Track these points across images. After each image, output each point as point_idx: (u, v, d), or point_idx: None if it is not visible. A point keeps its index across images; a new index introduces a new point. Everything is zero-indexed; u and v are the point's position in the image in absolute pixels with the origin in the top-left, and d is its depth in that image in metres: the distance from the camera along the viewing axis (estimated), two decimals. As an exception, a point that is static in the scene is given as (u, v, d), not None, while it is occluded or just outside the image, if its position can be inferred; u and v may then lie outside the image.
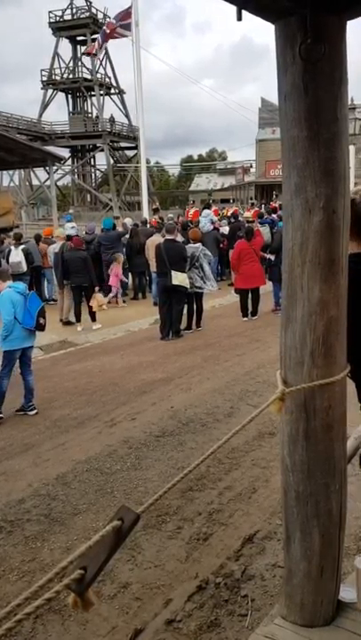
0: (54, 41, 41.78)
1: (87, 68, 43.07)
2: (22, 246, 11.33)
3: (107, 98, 44.08)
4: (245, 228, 10.81)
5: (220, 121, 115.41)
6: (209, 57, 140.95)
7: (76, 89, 43.41)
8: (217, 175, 47.00)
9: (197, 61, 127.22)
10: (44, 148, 22.23)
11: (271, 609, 2.46)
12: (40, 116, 41.69)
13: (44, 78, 42.41)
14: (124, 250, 12.61)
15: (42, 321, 5.73)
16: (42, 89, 42.56)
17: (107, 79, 43.71)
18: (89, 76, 42.56)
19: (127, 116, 44.28)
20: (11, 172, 36.39)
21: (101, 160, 44.39)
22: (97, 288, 10.11)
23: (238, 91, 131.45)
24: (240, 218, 15.91)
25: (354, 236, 2.07)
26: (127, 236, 12.85)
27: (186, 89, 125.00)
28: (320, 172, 1.81)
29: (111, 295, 12.12)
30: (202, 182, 47.13)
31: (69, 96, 44.34)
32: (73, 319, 10.29)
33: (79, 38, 42.29)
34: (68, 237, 11.59)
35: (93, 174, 47.31)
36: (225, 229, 14.57)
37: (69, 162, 43.47)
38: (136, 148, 34.80)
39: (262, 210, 16.96)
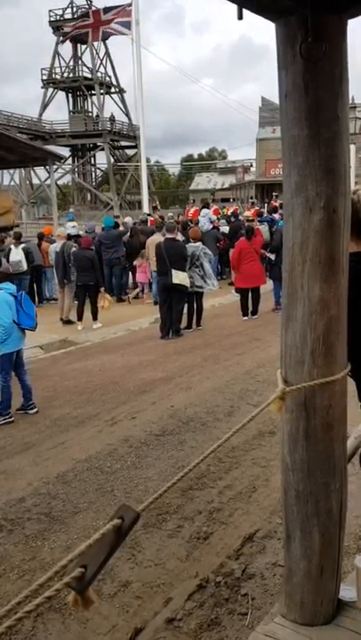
0: (54, 40, 41.78)
1: (87, 67, 43.08)
2: (22, 245, 11.34)
3: (107, 97, 44.11)
4: (246, 228, 10.81)
5: (219, 120, 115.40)
6: (208, 56, 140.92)
7: (77, 88, 43.40)
8: (217, 174, 46.96)
9: (196, 61, 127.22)
10: (45, 147, 22.22)
11: (271, 608, 2.46)
12: (40, 115, 41.69)
13: (45, 77, 42.40)
14: (124, 249, 12.63)
15: (37, 320, 5.81)
16: (42, 88, 42.59)
17: (107, 78, 43.71)
18: (89, 75, 42.53)
19: (127, 114, 44.31)
20: (11, 170, 36.40)
21: (102, 159, 44.46)
22: (102, 288, 10.13)
23: (238, 90, 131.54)
24: (240, 217, 15.90)
25: (354, 236, 2.07)
26: (128, 234, 12.87)
27: (185, 88, 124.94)
28: (321, 170, 1.81)
29: (138, 290, 12.14)
30: (202, 181, 47.10)
31: (70, 95, 44.33)
32: (73, 318, 10.30)
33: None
34: (69, 236, 11.61)
35: (94, 173, 47.30)
36: (225, 228, 14.57)
37: (70, 161, 43.46)
38: (136, 146, 34.80)
39: (263, 209, 16.96)
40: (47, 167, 24.45)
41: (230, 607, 2.80)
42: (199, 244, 9.44)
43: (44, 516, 3.79)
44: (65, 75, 42.98)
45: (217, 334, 9.03)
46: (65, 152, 37.71)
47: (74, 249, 10.30)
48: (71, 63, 43.31)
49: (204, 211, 15.50)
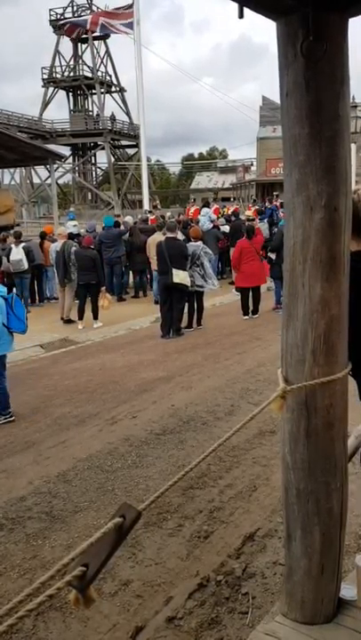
0: (55, 39, 41.77)
1: (88, 66, 43.06)
2: (23, 244, 11.34)
3: (107, 96, 44.07)
4: (246, 227, 10.81)
5: (219, 119, 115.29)
6: (208, 55, 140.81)
7: (77, 87, 43.35)
8: (218, 173, 46.95)
9: (196, 60, 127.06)
10: (45, 146, 22.23)
11: (272, 606, 2.47)
12: (41, 114, 41.65)
13: (45, 76, 42.38)
14: (125, 248, 12.63)
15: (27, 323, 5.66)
16: (43, 87, 42.55)
17: (107, 77, 43.68)
18: (90, 74, 42.51)
19: (128, 113, 44.27)
20: (11, 170, 36.37)
21: (102, 158, 44.41)
22: (103, 287, 10.13)
23: (237, 89, 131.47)
24: (241, 216, 15.89)
25: (354, 235, 2.07)
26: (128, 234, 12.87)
27: (185, 87, 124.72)
28: (322, 169, 1.81)
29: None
30: (203, 180, 47.09)
31: (70, 94, 44.29)
32: (74, 317, 10.30)
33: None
34: (71, 236, 11.61)
35: (94, 172, 47.28)
36: (225, 228, 14.56)
37: (70, 160, 43.42)
38: (137, 146, 34.80)
39: (264, 208, 16.94)
40: (48, 166, 24.48)
41: (231, 606, 2.80)
42: (200, 243, 9.44)
43: (44, 514, 3.79)
44: (65, 74, 42.94)
45: (217, 333, 9.03)
46: (65, 151, 37.64)
47: (75, 248, 10.31)
48: (72, 62, 43.29)
49: (205, 210, 15.49)
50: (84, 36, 41.56)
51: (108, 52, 43.05)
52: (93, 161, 46.42)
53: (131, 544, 3.33)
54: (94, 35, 41.12)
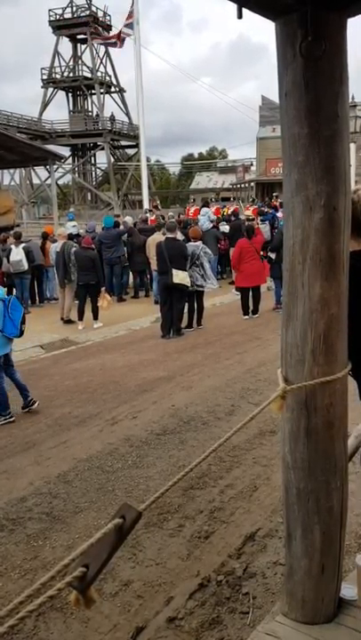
0: (54, 39, 41.77)
1: (87, 67, 43.07)
2: (23, 245, 11.35)
3: (107, 96, 44.09)
4: (246, 227, 10.81)
5: (218, 119, 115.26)
6: (206, 55, 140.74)
7: (77, 87, 43.39)
8: (217, 173, 46.97)
9: (195, 60, 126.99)
10: (45, 147, 22.22)
11: (273, 606, 2.47)
12: (40, 114, 41.67)
13: (45, 77, 42.39)
14: (125, 248, 12.63)
15: (23, 327, 5.57)
16: (42, 87, 42.56)
17: (107, 77, 43.69)
18: (89, 75, 42.52)
19: (127, 114, 44.28)
20: (11, 170, 36.40)
21: (102, 158, 44.46)
22: (103, 288, 10.13)
23: (236, 89, 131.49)
24: (241, 216, 15.89)
25: (354, 235, 2.07)
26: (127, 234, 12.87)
27: (184, 87, 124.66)
28: (321, 169, 1.81)
29: None
30: (202, 180, 47.09)
31: (70, 94, 44.32)
32: (74, 318, 10.30)
33: (79, 37, 42.24)
34: (70, 236, 11.61)
35: (94, 173, 47.30)
36: (225, 228, 14.56)
37: (70, 160, 43.46)
38: (136, 146, 34.80)
39: (264, 208, 16.94)
40: (47, 167, 24.47)
41: (231, 606, 2.80)
42: (199, 243, 9.44)
43: (45, 515, 3.79)
44: (65, 74, 42.96)
45: (218, 333, 9.03)
46: (65, 152, 37.76)
47: (74, 248, 10.31)
48: (71, 63, 43.31)
49: (204, 209, 15.49)
50: (83, 36, 41.61)
51: (107, 52, 43.08)
52: (93, 161, 46.45)
53: (131, 544, 3.33)
54: (93, 35, 41.17)
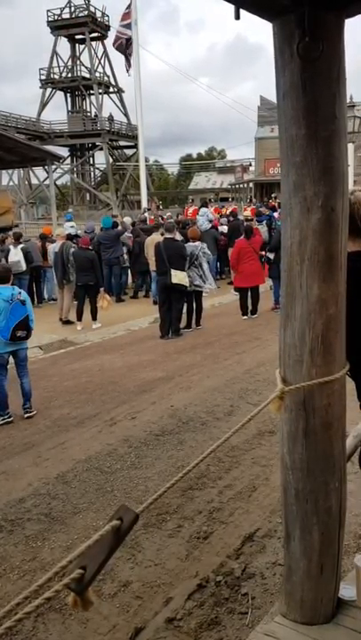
0: (52, 40, 41.76)
1: (86, 67, 43.07)
2: (21, 245, 11.34)
3: (105, 96, 44.10)
4: (244, 227, 10.81)
5: (217, 120, 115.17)
6: (204, 56, 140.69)
7: (75, 88, 43.38)
8: (216, 173, 46.98)
9: (192, 60, 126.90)
10: (43, 147, 22.22)
11: (271, 607, 2.47)
12: (39, 115, 41.64)
13: (43, 77, 42.37)
14: (126, 249, 12.61)
15: (20, 333, 5.46)
16: (40, 88, 42.53)
17: (105, 78, 43.67)
18: (88, 75, 42.51)
19: (126, 114, 44.27)
20: (10, 171, 36.35)
21: (100, 159, 44.48)
22: (102, 288, 10.13)
23: (233, 89, 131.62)
24: (240, 216, 15.90)
25: (351, 235, 2.07)
26: (127, 234, 12.85)
27: (182, 88, 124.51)
28: (319, 170, 1.81)
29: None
30: (201, 181, 47.11)
31: (68, 95, 44.30)
32: (72, 318, 10.30)
33: (78, 37, 42.24)
34: (69, 237, 11.61)
35: (92, 173, 47.30)
36: (224, 228, 14.57)
37: (68, 161, 43.43)
38: (135, 146, 34.77)
39: (262, 208, 16.95)
40: (46, 167, 24.48)
41: (230, 606, 2.80)
42: (198, 243, 9.44)
43: (43, 516, 3.79)
44: (63, 75, 42.94)
45: (216, 333, 9.04)
46: (63, 152, 37.70)
47: (73, 249, 10.30)
48: (69, 63, 43.30)
49: (203, 210, 15.49)
50: (81, 36, 41.62)
51: (105, 52, 43.09)
52: (92, 162, 46.43)
53: (130, 545, 3.33)
54: (92, 35, 41.17)
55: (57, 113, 65.93)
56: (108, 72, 43.87)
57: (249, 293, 10.02)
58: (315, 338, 1.93)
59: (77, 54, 43.46)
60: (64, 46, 42.94)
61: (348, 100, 2.04)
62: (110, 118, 42.12)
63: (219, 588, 2.94)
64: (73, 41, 42.86)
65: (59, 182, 42.10)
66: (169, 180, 66.46)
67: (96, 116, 42.18)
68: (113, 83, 44.32)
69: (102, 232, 12.70)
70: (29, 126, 39.13)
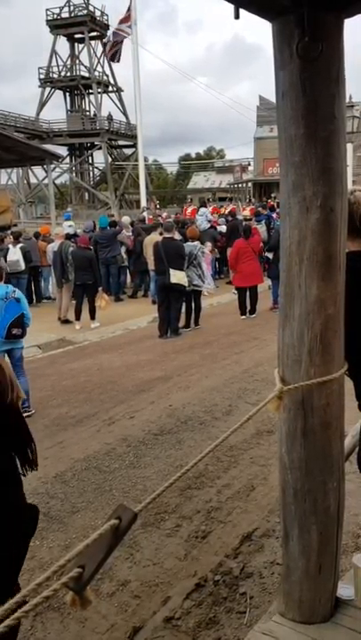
0: (51, 39, 41.71)
1: (85, 66, 43.03)
2: (20, 245, 11.33)
3: (104, 96, 44.06)
4: (243, 227, 10.82)
5: (215, 119, 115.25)
6: (202, 55, 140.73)
7: (74, 87, 43.34)
8: (215, 173, 46.97)
9: (191, 60, 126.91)
10: (42, 147, 22.20)
11: (270, 606, 2.47)
12: (38, 114, 41.62)
13: (42, 76, 42.32)
14: (125, 248, 12.60)
15: (15, 331, 5.40)
16: (39, 87, 42.49)
17: (104, 77, 43.62)
18: (87, 74, 42.47)
19: (125, 113, 44.23)
20: (8, 170, 36.31)
21: (99, 158, 44.43)
22: (101, 288, 10.12)
23: (231, 89, 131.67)
24: (238, 216, 15.91)
25: (350, 235, 2.07)
26: (125, 233, 12.84)
27: (181, 88, 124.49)
28: (317, 170, 1.81)
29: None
30: (200, 180, 47.09)
31: (67, 94, 44.25)
32: (71, 318, 10.29)
33: (77, 36, 42.22)
34: (68, 236, 11.59)
35: (91, 172, 47.26)
36: (222, 228, 14.57)
37: (67, 160, 43.41)
38: (134, 146, 34.76)
39: (260, 208, 16.96)
40: (45, 166, 24.43)
41: (229, 606, 2.80)
42: (197, 243, 9.44)
43: (42, 515, 3.76)
44: (62, 74, 42.89)
45: (215, 333, 9.04)
46: (62, 151, 37.62)
47: (72, 248, 10.30)
48: (68, 62, 43.25)
49: (202, 210, 15.50)
50: (80, 35, 41.57)
51: (104, 51, 42.99)
52: (90, 161, 46.40)
53: (128, 544, 3.33)
54: (91, 34, 41.12)
55: (56, 112, 65.99)
56: (108, 71, 43.89)
57: (247, 293, 10.03)
58: (313, 338, 1.94)
59: (76, 53, 43.43)
60: (63, 45, 42.96)
61: (347, 101, 2.04)
62: (109, 118, 42.10)
63: (217, 588, 2.94)
64: (72, 40, 42.83)
65: (57, 181, 42.08)
66: (168, 179, 66.44)
67: (95, 115, 42.15)
68: (112, 82, 44.30)
69: (99, 231, 12.69)
70: (28, 125, 39.09)
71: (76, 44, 43.12)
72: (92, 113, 43.51)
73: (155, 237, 10.56)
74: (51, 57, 42.21)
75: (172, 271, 8.61)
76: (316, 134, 1.79)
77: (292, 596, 2.14)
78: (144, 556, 3.26)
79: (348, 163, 2.45)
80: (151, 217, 16.05)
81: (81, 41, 42.22)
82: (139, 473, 4.29)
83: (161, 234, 9.65)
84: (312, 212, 1.84)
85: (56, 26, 41.10)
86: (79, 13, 40.88)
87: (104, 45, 22.71)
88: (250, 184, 34.52)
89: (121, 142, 44.73)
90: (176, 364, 7.35)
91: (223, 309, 11.19)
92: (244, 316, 10.01)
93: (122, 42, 22.91)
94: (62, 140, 40.78)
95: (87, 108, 44.72)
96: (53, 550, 3.37)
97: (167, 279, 8.65)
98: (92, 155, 45.30)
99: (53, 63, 42.46)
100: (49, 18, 41.21)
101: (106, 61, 43.19)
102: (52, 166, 25.03)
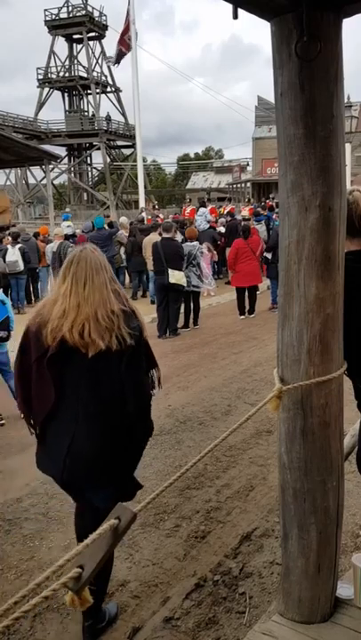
0: (50, 39, 41.69)
1: (83, 67, 42.99)
2: (19, 245, 11.34)
3: (103, 96, 44.01)
4: (242, 227, 10.82)
5: (214, 119, 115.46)
6: (199, 56, 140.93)
7: (72, 87, 43.28)
8: (213, 173, 46.98)
9: (188, 60, 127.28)
10: (41, 147, 22.20)
11: (269, 606, 2.47)
12: (36, 114, 41.57)
13: (40, 77, 42.29)
14: (124, 249, 12.61)
15: (1, 334, 5.40)
16: (38, 87, 42.45)
17: (103, 77, 43.61)
18: (85, 75, 42.45)
19: (123, 114, 44.22)
20: (7, 170, 36.28)
21: (98, 158, 44.34)
22: None
23: (229, 89, 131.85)
24: (237, 216, 15.91)
25: (349, 235, 2.08)
26: (124, 233, 12.85)
27: (179, 88, 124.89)
28: (316, 169, 1.82)
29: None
30: (198, 180, 47.09)
31: (65, 94, 44.22)
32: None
33: (75, 37, 42.17)
34: (67, 236, 11.60)
35: (90, 173, 47.22)
36: (222, 228, 14.58)
37: (66, 160, 43.39)
38: (132, 146, 34.77)
39: (259, 208, 16.97)
40: (43, 167, 24.40)
41: (228, 606, 2.80)
42: (196, 243, 9.44)
43: (41, 515, 3.78)
44: (61, 74, 42.86)
45: (214, 333, 9.04)
46: (61, 151, 37.69)
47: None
48: (67, 62, 43.22)
49: (201, 210, 15.50)
50: (79, 36, 41.55)
51: (103, 52, 43.02)
52: (89, 161, 46.37)
53: (128, 545, 3.33)
54: (89, 35, 41.11)
55: (54, 112, 66.03)
56: (106, 72, 43.86)
57: (246, 293, 10.03)
58: (312, 337, 1.94)
59: (75, 54, 43.39)
60: (61, 46, 42.90)
61: (345, 100, 2.04)
62: (108, 118, 42.07)
63: (216, 588, 2.94)
64: (70, 40, 42.78)
65: (56, 182, 42.07)
66: (166, 179, 66.45)
67: (93, 115, 42.11)
68: (110, 82, 44.27)
69: (95, 232, 12.68)
70: (27, 126, 39.05)
71: (74, 45, 43.09)
72: (90, 113, 43.47)
73: (154, 237, 10.56)
74: (49, 57, 42.18)
75: (170, 271, 8.61)
76: (315, 134, 1.79)
77: (291, 596, 2.14)
78: (143, 557, 3.25)
79: (347, 162, 2.45)
80: (150, 217, 16.05)
81: (79, 41, 42.17)
82: (138, 473, 4.27)
83: (160, 234, 9.65)
84: (311, 211, 1.84)
85: (54, 26, 41.05)
86: (77, 14, 40.82)
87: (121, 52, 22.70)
88: (249, 184, 34.53)
89: (119, 142, 44.69)
90: (175, 364, 7.35)
91: (222, 309, 11.19)
92: (242, 316, 10.02)
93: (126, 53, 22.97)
94: (61, 140, 40.75)
95: (85, 109, 44.69)
96: (53, 550, 3.36)
97: (166, 279, 8.65)
98: (90, 155, 45.25)
99: (52, 63, 42.43)
100: (47, 18, 41.15)
101: (104, 62, 43.30)
102: (51, 167, 25.07)
